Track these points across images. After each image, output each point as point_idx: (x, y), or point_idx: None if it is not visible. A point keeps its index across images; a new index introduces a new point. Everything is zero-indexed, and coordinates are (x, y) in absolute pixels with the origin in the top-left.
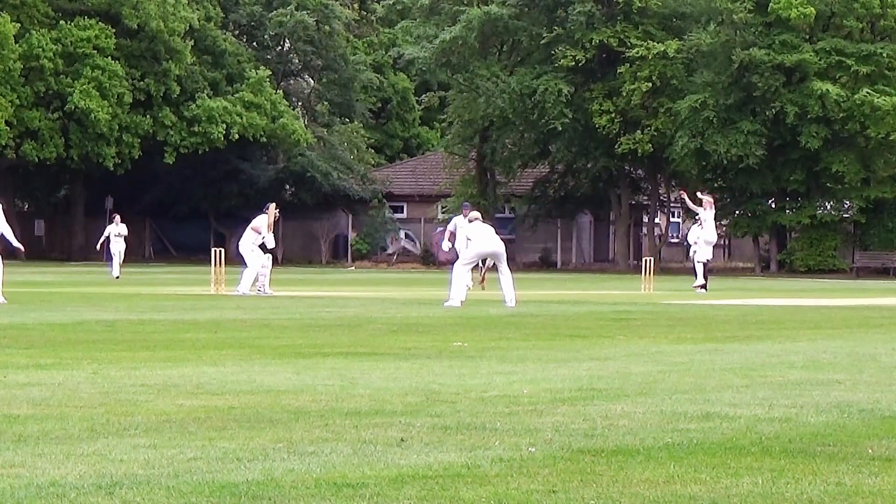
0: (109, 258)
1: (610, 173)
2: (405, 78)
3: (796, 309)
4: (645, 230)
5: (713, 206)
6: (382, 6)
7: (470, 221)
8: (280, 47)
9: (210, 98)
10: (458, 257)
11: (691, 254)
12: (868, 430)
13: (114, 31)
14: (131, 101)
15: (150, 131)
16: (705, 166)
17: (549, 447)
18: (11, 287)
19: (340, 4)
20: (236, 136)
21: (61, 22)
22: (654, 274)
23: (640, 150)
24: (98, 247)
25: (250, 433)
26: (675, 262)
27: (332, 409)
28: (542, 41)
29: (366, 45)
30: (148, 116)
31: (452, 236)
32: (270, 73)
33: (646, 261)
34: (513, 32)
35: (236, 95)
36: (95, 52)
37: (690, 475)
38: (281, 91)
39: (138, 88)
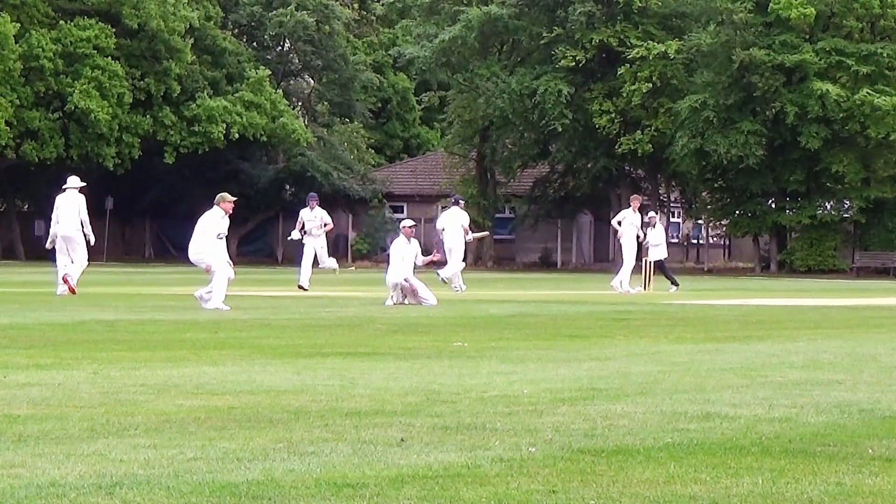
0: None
1: (610, 173)
2: (405, 78)
3: (796, 309)
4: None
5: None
6: (382, 5)
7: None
8: (280, 47)
9: (210, 98)
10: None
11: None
12: (868, 430)
13: (114, 30)
14: (131, 100)
15: (150, 131)
16: (705, 166)
17: (549, 447)
18: (12, 287)
19: (340, 4)
20: (236, 136)
21: (61, 22)
22: (654, 274)
23: (640, 151)
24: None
25: (250, 433)
26: (675, 262)
27: (332, 409)
28: (542, 41)
29: (366, 45)
30: (148, 116)
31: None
32: (270, 72)
33: (646, 261)
34: (513, 32)
35: (236, 95)
36: (95, 52)
37: (690, 475)
38: (281, 91)
39: (138, 88)
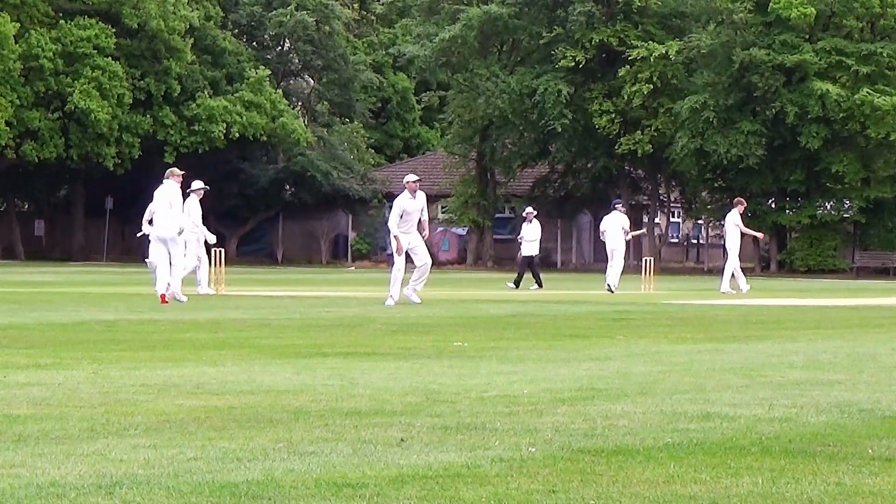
0: None
1: (610, 173)
2: (405, 78)
3: (796, 309)
4: (645, 230)
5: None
6: (382, 5)
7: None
8: (280, 47)
9: (210, 97)
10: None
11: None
12: (868, 430)
13: (114, 30)
14: (131, 100)
15: (151, 131)
16: (705, 166)
17: (549, 447)
18: (11, 287)
19: (340, 4)
20: (236, 136)
21: (61, 22)
22: (654, 274)
23: (639, 151)
24: None
25: (250, 433)
26: (675, 262)
27: (332, 409)
28: (542, 41)
29: (366, 45)
30: (148, 116)
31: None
32: (270, 72)
33: (646, 261)
34: (513, 32)
35: (236, 95)
36: (95, 51)
37: (690, 475)
38: (281, 91)
39: (138, 88)
